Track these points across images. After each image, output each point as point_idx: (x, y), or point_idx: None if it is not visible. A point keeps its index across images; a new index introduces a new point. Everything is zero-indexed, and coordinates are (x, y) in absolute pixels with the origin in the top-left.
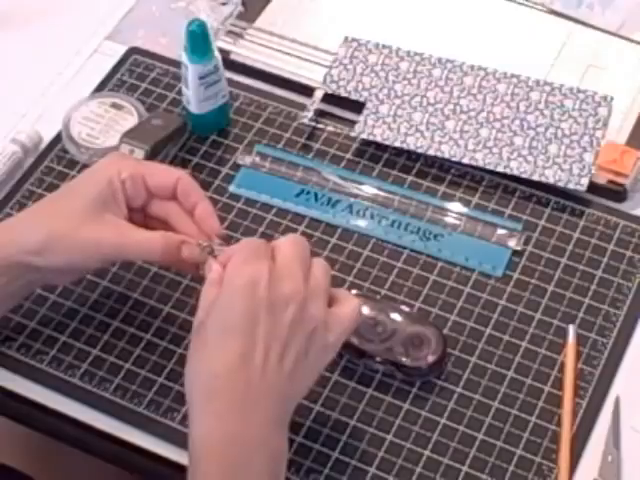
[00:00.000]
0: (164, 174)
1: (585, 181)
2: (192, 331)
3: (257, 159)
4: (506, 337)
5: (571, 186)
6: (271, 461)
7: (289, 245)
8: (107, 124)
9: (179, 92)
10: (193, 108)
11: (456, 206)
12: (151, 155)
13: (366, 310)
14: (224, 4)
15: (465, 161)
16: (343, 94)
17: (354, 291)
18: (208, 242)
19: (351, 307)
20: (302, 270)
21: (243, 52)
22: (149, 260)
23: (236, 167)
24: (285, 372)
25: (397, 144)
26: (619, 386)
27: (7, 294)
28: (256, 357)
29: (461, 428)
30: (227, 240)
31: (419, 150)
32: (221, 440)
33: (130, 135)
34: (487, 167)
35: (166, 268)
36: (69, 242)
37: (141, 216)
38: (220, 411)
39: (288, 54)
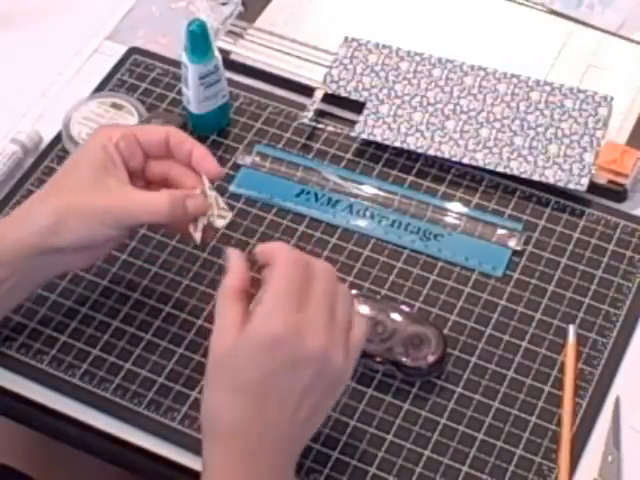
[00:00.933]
0: (154, 129)
1: (585, 181)
2: (211, 348)
3: (257, 159)
4: (506, 337)
5: (571, 186)
6: None
7: (323, 286)
8: (107, 124)
9: (179, 92)
10: (193, 108)
11: (456, 206)
12: None
13: (366, 310)
14: (224, 4)
15: (465, 161)
16: (343, 94)
17: (354, 291)
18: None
19: (362, 331)
20: (329, 318)
21: (243, 52)
22: (157, 221)
23: (236, 167)
24: (297, 423)
25: (397, 144)
26: (619, 386)
27: (23, 283)
28: (268, 414)
29: (461, 428)
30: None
31: (419, 150)
32: None
33: None
34: (487, 167)
35: (172, 235)
36: (79, 213)
37: (142, 183)
38: (230, 456)
39: (288, 54)
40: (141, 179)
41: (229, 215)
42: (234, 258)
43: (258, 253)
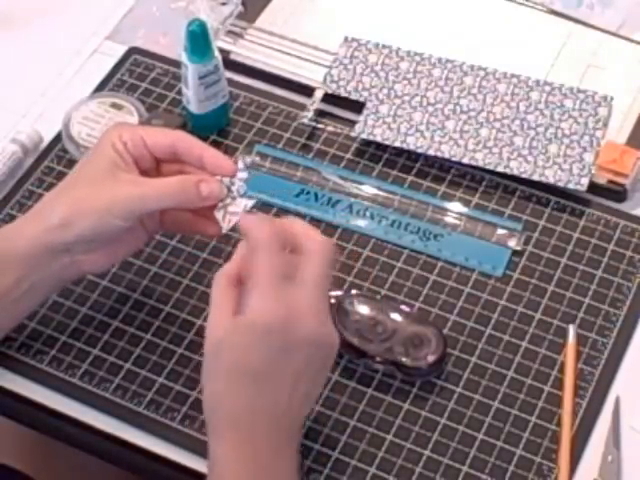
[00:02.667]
0: (161, 134)
1: (585, 181)
2: (207, 335)
3: (257, 159)
4: (506, 337)
5: (571, 186)
6: (283, 473)
7: (319, 270)
8: (107, 124)
9: (179, 92)
10: (193, 108)
11: (456, 206)
12: None
13: (366, 310)
14: (224, 4)
15: (465, 161)
16: (343, 94)
17: (354, 291)
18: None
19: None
20: (323, 299)
21: (243, 52)
22: (171, 204)
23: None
24: (297, 400)
25: (397, 144)
26: (619, 386)
27: (39, 285)
28: (268, 396)
29: (461, 428)
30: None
31: (419, 150)
32: (252, 473)
33: None
34: (487, 167)
35: (172, 235)
36: (94, 204)
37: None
38: (234, 443)
39: (288, 54)
40: (156, 176)
41: (251, 202)
42: (241, 247)
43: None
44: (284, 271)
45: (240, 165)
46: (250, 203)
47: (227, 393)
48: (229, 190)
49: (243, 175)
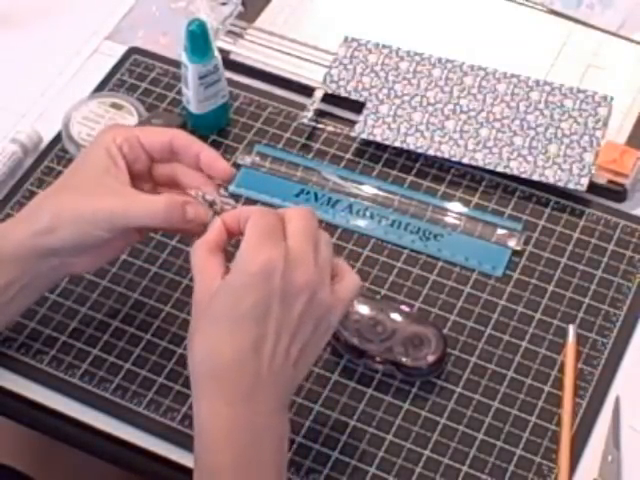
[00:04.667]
0: (157, 132)
1: (585, 181)
2: (195, 300)
3: (257, 159)
4: (506, 337)
5: (571, 186)
6: (278, 446)
7: (301, 223)
8: (107, 124)
9: (179, 92)
10: (193, 108)
11: (456, 206)
12: None
13: (366, 310)
14: (224, 4)
15: (465, 161)
16: (343, 94)
17: None
18: (213, 196)
19: (352, 283)
20: (313, 252)
21: (243, 52)
22: (153, 224)
23: (236, 167)
24: (291, 360)
25: (397, 144)
26: (619, 386)
27: (30, 287)
28: (266, 347)
29: (461, 428)
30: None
31: (419, 150)
32: (232, 429)
33: None
34: (487, 167)
35: (172, 235)
36: (75, 214)
37: (150, 185)
38: (230, 399)
39: (288, 54)
40: (148, 181)
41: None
42: (215, 222)
43: (233, 220)
44: (276, 226)
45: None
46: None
47: (221, 342)
48: (213, 205)
49: (225, 193)
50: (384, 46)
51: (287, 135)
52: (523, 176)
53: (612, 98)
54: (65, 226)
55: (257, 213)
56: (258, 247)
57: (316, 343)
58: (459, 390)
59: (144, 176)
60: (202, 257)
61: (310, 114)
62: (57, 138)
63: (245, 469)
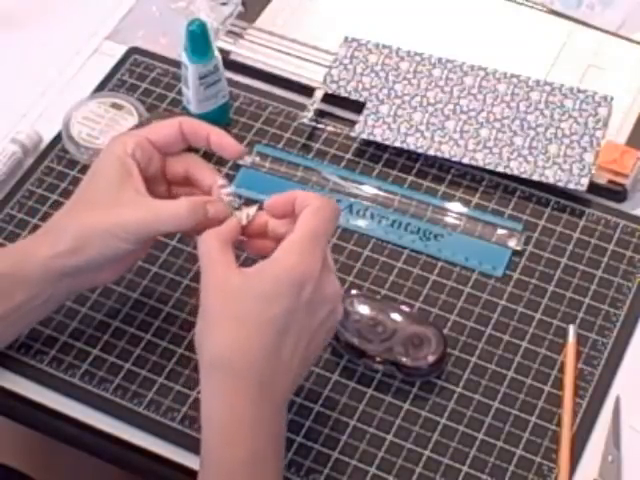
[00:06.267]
0: (164, 125)
1: (585, 181)
2: (208, 291)
3: (257, 159)
4: (506, 337)
5: (571, 186)
6: (284, 443)
7: (333, 226)
8: (107, 124)
9: (179, 92)
10: (193, 108)
11: (456, 206)
12: None
13: (366, 310)
14: (224, 4)
15: (465, 161)
16: (343, 94)
17: (354, 291)
18: (230, 192)
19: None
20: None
21: (243, 52)
22: (178, 229)
23: (236, 167)
24: (306, 360)
25: (397, 144)
26: (619, 386)
27: (53, 299)
28: (286, 348)
29: (461, 428)
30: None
31: (419, 150)
32: (254, 424)
33: None
34: (487, 167)
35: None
36: (96, 233)
37: (164, 189)
38: (252, 396)
39: (288, 54)
40: (163, 183)
41: (253, 209)
42: (232, 219)
43: (297, 198)
44: (327, 231)
45: (222, 182)
46: (252, 211)
47: (242, 340)
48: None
49: (229, 190)
50: (384, 46)
51: (287, 135)
52: (523, 176)
53: (612, 98)
54: (91, 244)
55: (315, 205)
56: (307, 254)
57: (325, 343)
58: (459, 390)
59: (158, 179)
60: (214, 247)
61: (310, 114)
62: (57, 138)
63: (262, 464)
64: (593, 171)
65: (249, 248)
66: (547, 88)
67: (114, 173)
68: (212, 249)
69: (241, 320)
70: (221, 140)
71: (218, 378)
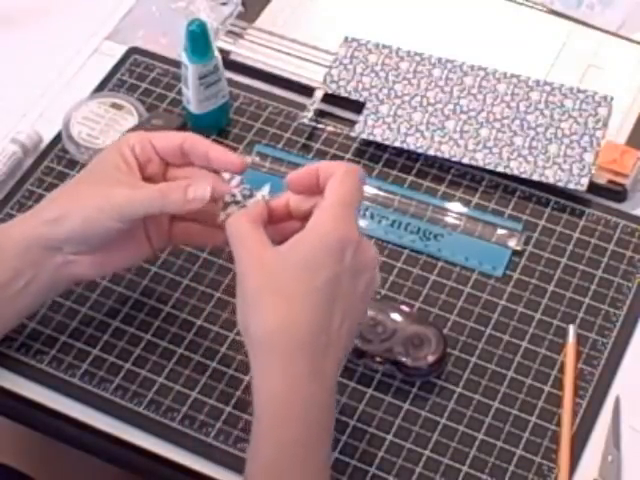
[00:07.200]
0: (170, 136)
1: (585, 181)
2: (245, 271)
3: (257, 159)
4: (506, 337)
5: (571, 186)
6: (334, 419)
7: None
8: (107, 124)
9: (179, 92)
10: (193, 108)
11: (456, 206)
12: None
13: None
14: (224, 4)
15: (465, 161)
16: (343, 94)
17: None
18: (237, 183)
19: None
20: None
21: (243, 52)
22: (153, 209)
23: None
24: (352, 331)
25: (397, 144)
26: (619, 386)
27: (32, 284)
28: (336, 320)
29: (461, 428)
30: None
31: (419, 150)
32: (304, 403)
33: None
34: (487, 167)
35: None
36: (83, 203)
37: None
38: (303, 374)
39: (288, 54)
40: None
41: (266, 189)
42: (257, 199)
43: (320, 169)
44: (357, 197)
45: (227, 176)
46: (266, 190)
47: (293, 316)
48: (232, 197)
49: (236, 181)
50: (384, 46)
51: (287, 135)
52: (523, 176)
53: (612, 98)
54: (74, 215)
55: (341, 172)
56: (342, 219)
57: (364, 316)
58: (459, 390)
59: (158, 179)
60: (245, 226)
61: (310, 114)
62: (57, 138)
63: (315, 443)
64: (593, 171)
65: (277, 234)
66: (547, 88)
67: (112, 159)
68: (242, 228)
69: (284, 294)
70: (222, 157)
71: (268, 357)
